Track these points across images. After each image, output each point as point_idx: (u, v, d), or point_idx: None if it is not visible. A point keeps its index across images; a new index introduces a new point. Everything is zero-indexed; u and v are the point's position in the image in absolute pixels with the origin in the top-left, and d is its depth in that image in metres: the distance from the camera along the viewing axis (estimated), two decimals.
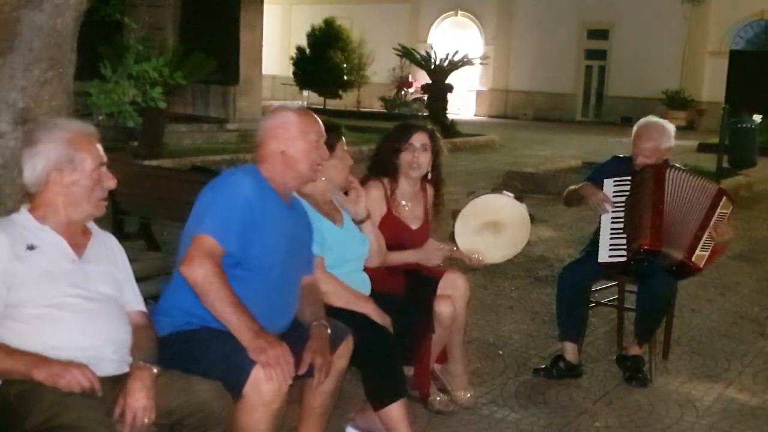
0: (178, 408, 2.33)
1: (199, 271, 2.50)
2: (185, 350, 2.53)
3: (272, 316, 2.69)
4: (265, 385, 2.41)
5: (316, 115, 2.89)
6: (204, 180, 2.82)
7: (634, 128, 4.27)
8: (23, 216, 2.42)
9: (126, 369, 2.38)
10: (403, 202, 3.68)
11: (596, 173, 4.40)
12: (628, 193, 4.11)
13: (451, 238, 3.71)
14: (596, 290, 4.53)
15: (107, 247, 2.57)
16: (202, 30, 14.94)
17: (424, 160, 3.63)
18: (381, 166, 3.67)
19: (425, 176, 3.72)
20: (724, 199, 4.03)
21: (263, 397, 2.43)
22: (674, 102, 24.85)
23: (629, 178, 4.14)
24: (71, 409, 2.13)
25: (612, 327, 4.84)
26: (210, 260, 2.51)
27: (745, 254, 7.51)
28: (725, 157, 10.96)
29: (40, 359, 2.20)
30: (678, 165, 4.26)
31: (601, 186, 4.20)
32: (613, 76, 26.82)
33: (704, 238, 3.96)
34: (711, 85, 24.83)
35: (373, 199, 3.53)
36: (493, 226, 3.71)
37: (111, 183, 2.49)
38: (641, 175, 4.09)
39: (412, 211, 3.70)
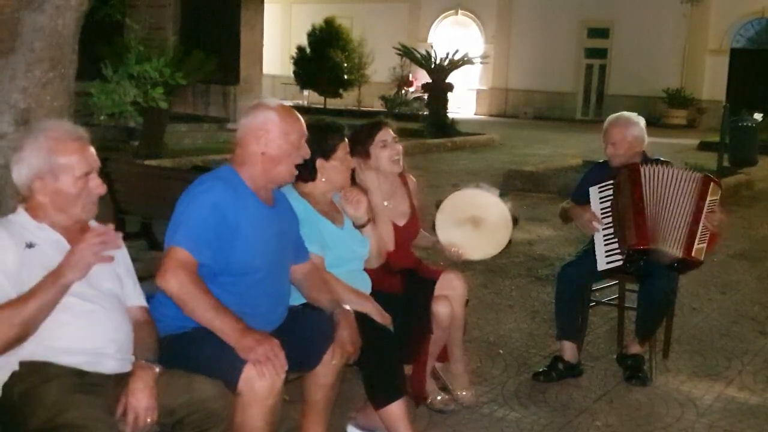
0: (179, 407, 2.34)
1: (172, 283, 2.50)
2: (180, 352, 2.54)
3: (264, 315, 2.69)
4: (257, 382, 2.42)
5: (297, 113, 2.82)
6: None
7: (603, 127, 4.27)
8: (21, 215, 2.42)
9: (129, 367, 2.38)
10: (385, 203, 3.59)
11: (581, 185, 4.37)
12: (612, 197, 4.10)
13: (434, 229, 3.72)
14: (597, 289, 4.53)
15: None
16: (202, 30, 14.98)
17: (400, 151, 3.58)
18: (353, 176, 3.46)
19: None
20: (711, 185, 3.99)
21: (257, 394, 2.44)
22: (675, 100, 24.85)
23: (611, 182, 4.13)
24: (73, 407, 2.14)
25: (612, 326, 4.85)
26: (183, 271, 2.50)
27: (746, 253, 7.52)
28: (726, 156, 10.97)
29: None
30: (661, 158, 4.24)
31: (587, 195, 4.20)
32: (613, 74, 26.82)
33: (699, 230, 3.94)
34: (712, 83, 24.83)
35: None
36: (473, 222, 3.69)
37: (100, 190, 2.45)
38: (618, 178, 4.07)
39: (396, 208, 3.66)
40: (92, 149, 2.46)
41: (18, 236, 2.34)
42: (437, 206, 3.72)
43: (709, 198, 3.95)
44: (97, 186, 2.44)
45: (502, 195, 3.75)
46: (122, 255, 2.59)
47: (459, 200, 3.71)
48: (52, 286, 2.23)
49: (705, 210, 3.93)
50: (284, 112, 2.76)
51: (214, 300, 2.51)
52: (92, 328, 2.33)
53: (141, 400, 2.25)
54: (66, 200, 2.40)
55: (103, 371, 2.32)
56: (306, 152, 2.81)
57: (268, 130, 2.70)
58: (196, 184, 2.69)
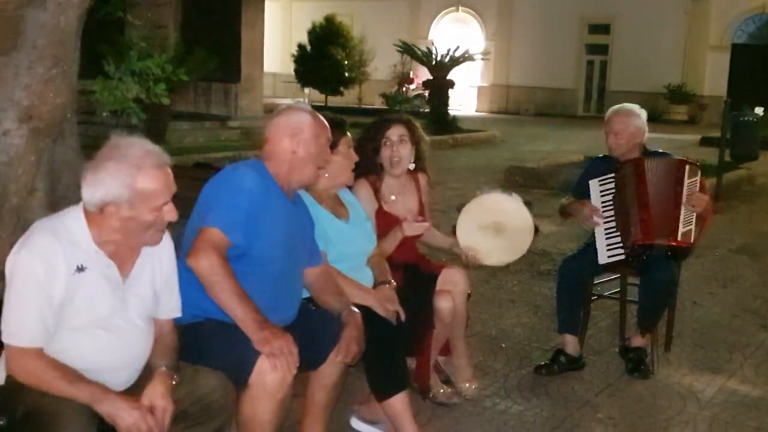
0: (183, 398, 2.36)
1: (204, 263, 2.52)
2: (191, 343, 2.56)
3: (274, 309, 2.71)
4: (269, 375, 2.45)
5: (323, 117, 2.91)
6: (207, 177, 2.84)
7: (605, 117, 4.29)
8: (78, 225, 2.28)
9: (134, 380, 2.39)
10: (393, 197, 3.62)
11: (581, 179, 4.37)
12: (614, 191, 4.12)
13: (454, 231, 3.72)
14: (598, 282, 4.55)
15: (154, 256, 2.45)
16: (203, 28, 14.97)
17: (404, 152, 3.57)
18: (363, 167, 3.47)
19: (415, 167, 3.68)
20: (687, 168, 4.01)
21: (268, 387, 2.46)
22: (676, 96, 24.83)
23: (612, 175, 4.14)
24: (51, 397, 2.17)
25: (614, 320, 4.86)
26: (215, 252, 2.53)
27: (747, 247, 7.53)
28: (727, 151, 10.94)
29: (103, 392, 2.20)
30: (659, 150, 4.27)
31: (588, 189, 4.20)
32: (614, 70, 26.78)
33: (682, 214, 3.96)
34: (713, 79, 24.78)
35: (362, 198, 3.49)
36: (495, 227, 3.67)
37: (171, 216, 2.34)
38: (622, 171, 4.09)
39: (404, 205, 3.67)
40: (171, 174, 2.35)
41: (71, 256, 2.22)
42: (459, 209, 3.70)
43: (687, 180, 3.99)
44: (170, 211, 2.34)
45: (526, 203, 3.73)
46: (168, 262, 2.50)
47: (484, 204, 3.68)
48: (90, 396, 2.18)
49: (684, 192, 3.96)
50: (316, 116, 2.87)
51: (239, 288, 2.54)
52: (107, 355, 2.31)
53: (161, 401, 2.26)
54: (137, 227, 2.29)
55: (110, 386, 2.31)
56: (329, 156, 2.91)
57: (303, 130, 2.79)
58: (228, 169, 2.75)
